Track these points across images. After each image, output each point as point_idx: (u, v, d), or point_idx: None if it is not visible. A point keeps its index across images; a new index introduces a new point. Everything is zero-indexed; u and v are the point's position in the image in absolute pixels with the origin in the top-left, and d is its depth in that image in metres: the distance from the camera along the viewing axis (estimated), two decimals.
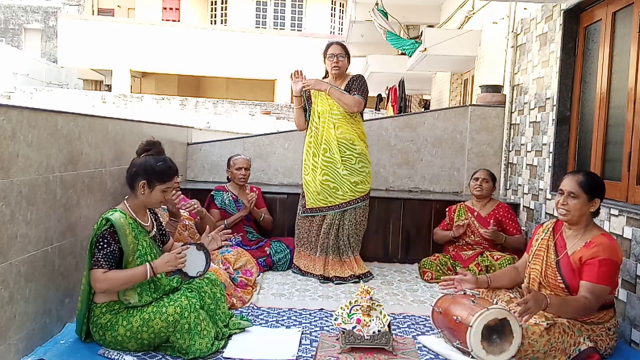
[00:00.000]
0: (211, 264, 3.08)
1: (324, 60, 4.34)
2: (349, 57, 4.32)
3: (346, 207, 4.23)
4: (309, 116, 4.38)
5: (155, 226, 2.94)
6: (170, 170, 2.85)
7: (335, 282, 4.17)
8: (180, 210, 3.60)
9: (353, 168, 4.22)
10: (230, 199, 4.58)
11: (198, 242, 3.01)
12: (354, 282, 4.17)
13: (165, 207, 3.53)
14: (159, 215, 3.15)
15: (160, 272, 2.74)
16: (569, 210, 2.80)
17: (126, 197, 2.85)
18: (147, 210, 2.91)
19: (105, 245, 2.61)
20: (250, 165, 4.67)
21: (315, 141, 4.28)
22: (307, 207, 4.33)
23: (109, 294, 2.67)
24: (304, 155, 4.38)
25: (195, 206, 3.88)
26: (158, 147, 3.03)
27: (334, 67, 4.26)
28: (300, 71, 4.33)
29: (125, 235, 2.65)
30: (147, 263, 2.69)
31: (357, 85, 4.25)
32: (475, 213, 4.44)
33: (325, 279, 4.19)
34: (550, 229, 2.98)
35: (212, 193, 4.61)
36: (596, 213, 2.84)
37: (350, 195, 4.22)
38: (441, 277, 4.16)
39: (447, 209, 4.67)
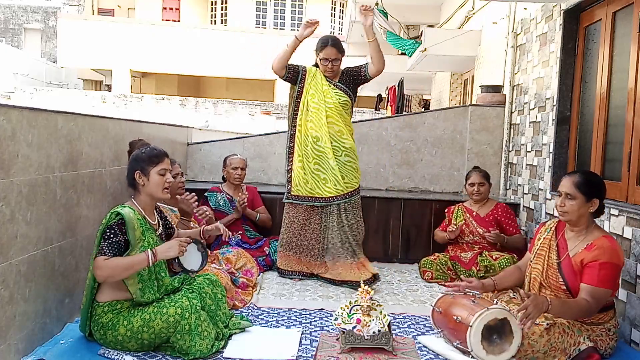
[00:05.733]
0: (211, 265, 3.09)
1: (317, 57, 4.20)
2: (343, 55, 4.20)
3: (333, 201, 4.09)
4: (297, 94, 4.22)
5: (161, 225, 2.96)
6: (156, 151, 2.87)
7: (350, 285, 3.95)
8: (194, 210, 3.61)
9: (340, 161, 4.09)
10: (225, 199, 4.58)
11: (201, 241, 3.02)
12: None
13: (176, 209, 3.54)
14: (167, 215, 3.17)
15: (161, 259, 2.73)
16: (567, 212, 2.80)
17: (132, 197, 2.86)
18: (154, 210, 2.92)
19: (111, 236, 2.63)
20: (246, 165, 4.68)
21: (306, 130, 4.13)
22: (292, 193, 4.17)
23: (112, 292, 2.68)
24: (291, 143, 4.21)
25: (209, 214, 3.82)
26: (139, 143, 3.27)
27: (328, 71, 4.17)
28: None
29: (133, 229, 2.67)
30: (148, 250, 2.68)
31: (351, 74, 4.25)
32: (474, 214, 4.43)
33: (310, 275, 4.13)
34: (553, 229, 2.97)
35: (205, 194, 4.61)
36: (598, 213, 2.83)
37: (340, 189, 4.08)
38: (444, 280, 4.17)
39: (446, 210, 4.67)
